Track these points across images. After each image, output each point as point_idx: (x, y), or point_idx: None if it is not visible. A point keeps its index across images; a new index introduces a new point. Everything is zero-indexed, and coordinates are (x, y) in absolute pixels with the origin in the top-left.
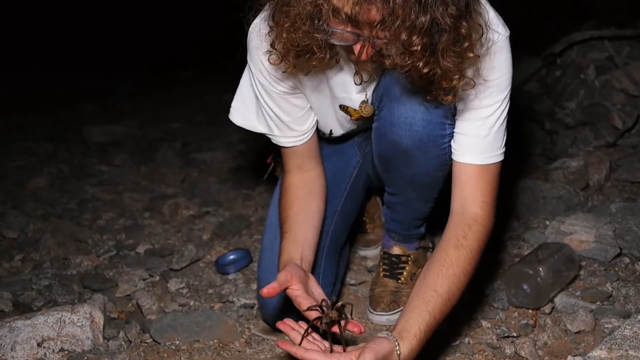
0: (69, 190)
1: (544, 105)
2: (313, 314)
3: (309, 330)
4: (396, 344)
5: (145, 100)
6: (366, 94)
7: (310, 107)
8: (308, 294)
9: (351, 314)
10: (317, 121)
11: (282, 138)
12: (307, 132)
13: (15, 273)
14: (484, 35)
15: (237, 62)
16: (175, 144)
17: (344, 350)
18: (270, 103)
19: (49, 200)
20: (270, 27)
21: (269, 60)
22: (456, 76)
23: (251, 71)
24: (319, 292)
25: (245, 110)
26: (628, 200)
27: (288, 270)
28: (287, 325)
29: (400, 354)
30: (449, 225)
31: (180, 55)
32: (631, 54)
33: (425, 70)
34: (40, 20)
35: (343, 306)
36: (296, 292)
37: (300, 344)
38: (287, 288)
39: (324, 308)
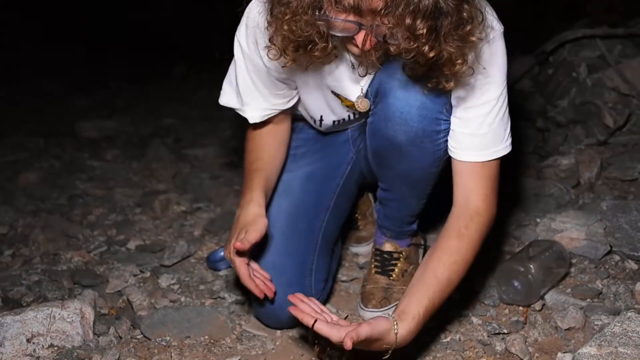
0: (60, 185)
1: (536, 103)
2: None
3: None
4: (395, 324)
5: (138, 96)
6: (362, 89)
7: (292, 99)
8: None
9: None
10: (293, 105)
11: (250, 111)
12: (279, 106)
13: (4, 268)
14: (483, 21)
15: (231, 58)
16: (168, 139)
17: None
18: (252, 72)
19: (39, 195)
20: (268, 22)
21: (268, 55)
22: (459, 61)
23: (240, 44)
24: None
25: (231, 91)
26: (619, 198)
27: (261, 230)
28: (301, 312)
29: (397, 333)
30: (452, 216)
31: (174, 51)
32: (623, 52)
33: (431, 55)
34: (34, 14)
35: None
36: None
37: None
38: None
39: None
